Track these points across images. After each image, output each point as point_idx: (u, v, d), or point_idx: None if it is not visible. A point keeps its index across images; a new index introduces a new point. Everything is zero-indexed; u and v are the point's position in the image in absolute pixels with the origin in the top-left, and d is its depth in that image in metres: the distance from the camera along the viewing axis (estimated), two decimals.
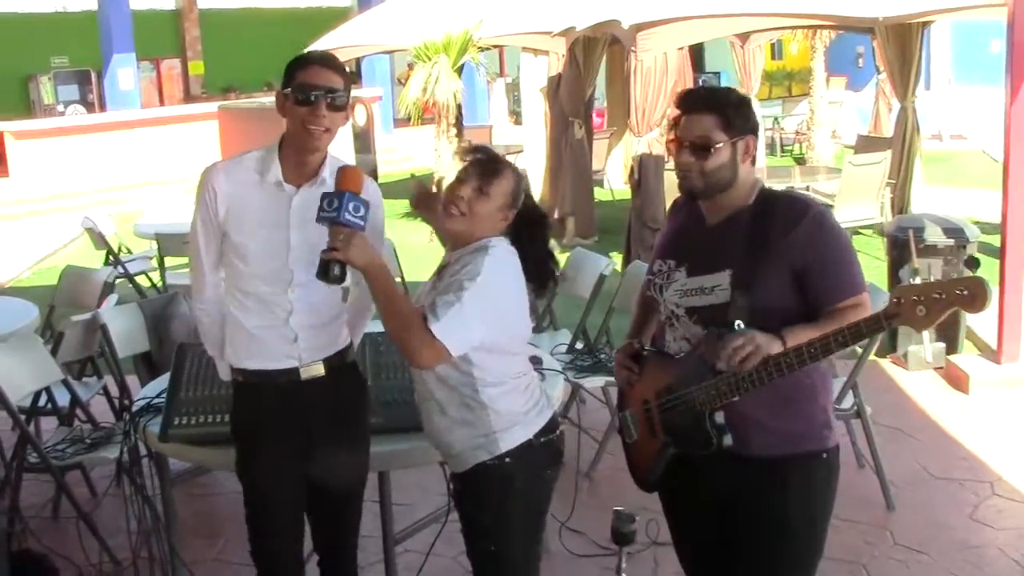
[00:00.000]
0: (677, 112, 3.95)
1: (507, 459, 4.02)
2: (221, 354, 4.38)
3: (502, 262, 3.98)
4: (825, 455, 3.92)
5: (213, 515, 6.97)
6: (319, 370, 4.28)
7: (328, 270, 3.73)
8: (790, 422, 3.85)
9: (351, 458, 4.51)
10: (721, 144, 3.79)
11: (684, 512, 4.22)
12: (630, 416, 4.21)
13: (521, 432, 4.05)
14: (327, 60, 4.13)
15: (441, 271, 4.10)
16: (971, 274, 3.35)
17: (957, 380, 8.81)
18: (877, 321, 3.50)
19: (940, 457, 7.44)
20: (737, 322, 3.68)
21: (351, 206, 3.72)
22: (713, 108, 3.82)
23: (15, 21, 29.32)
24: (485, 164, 4.06)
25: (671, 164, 4.10)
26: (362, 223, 3.74)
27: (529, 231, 4.14)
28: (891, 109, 19.43)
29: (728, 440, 3.80)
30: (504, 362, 4.04)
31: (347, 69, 4.22)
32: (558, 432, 4.21)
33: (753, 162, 3.94)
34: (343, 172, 3.85)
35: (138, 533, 5.60)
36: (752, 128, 3.89)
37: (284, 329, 4.20)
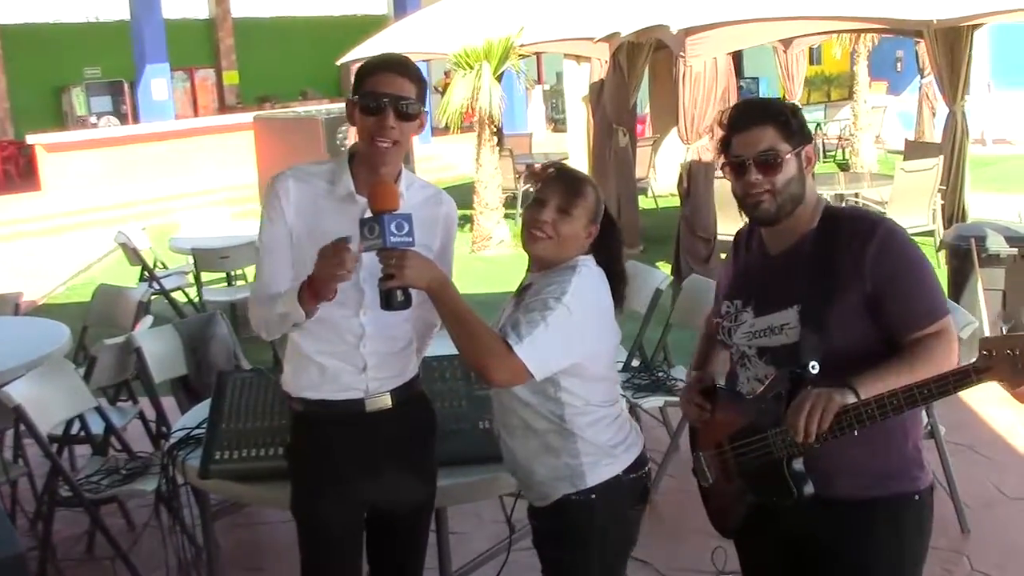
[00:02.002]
0: (724, 133, 3.66)
1: (592, 495, 3.82)
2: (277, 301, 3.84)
3: (590, 281, 3.79)
4: (917, 496, 3.61)
5: (256, 546, 6.75)
6: (386, 402, 4.00)
7: (391, 299, 3.48)
8: (877, 461, 3.55)
9: (417, 498, 4.23)
10: (788, 155, 3.50)
11: (761, 557, 3.92)
12: (703, 459, 3.94)
13: (609, 467, 3.85)
14: (397, 64, 3.82)
15: (522, 292, 3.88)
16: None
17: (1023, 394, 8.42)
18: (966, 376, 3.16)
19: (1013, 476, 7.20)
20: (812, 363, 3.41)
21: (392, 227, 3.44)
22: (771, 119, 3.54)
23: (47, 31, 29.40)
24: (566, 183, 3.86)
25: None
26: (410, 239, 3.47)
27: (603, 241, 3.96)
28: (935, 113, 19.19)
29: (810, 489, 3.50)
30: (593, 388, 3.83)
31: (422, 76, 3.89)
32: (647, 469, 4.01)
33: (812, 176, 3.67)
34: (373, 192, 3.53)
35: (179, 569, 5.38)
36: (808, 136, 3.62)
37: (354, 356, 3.92)
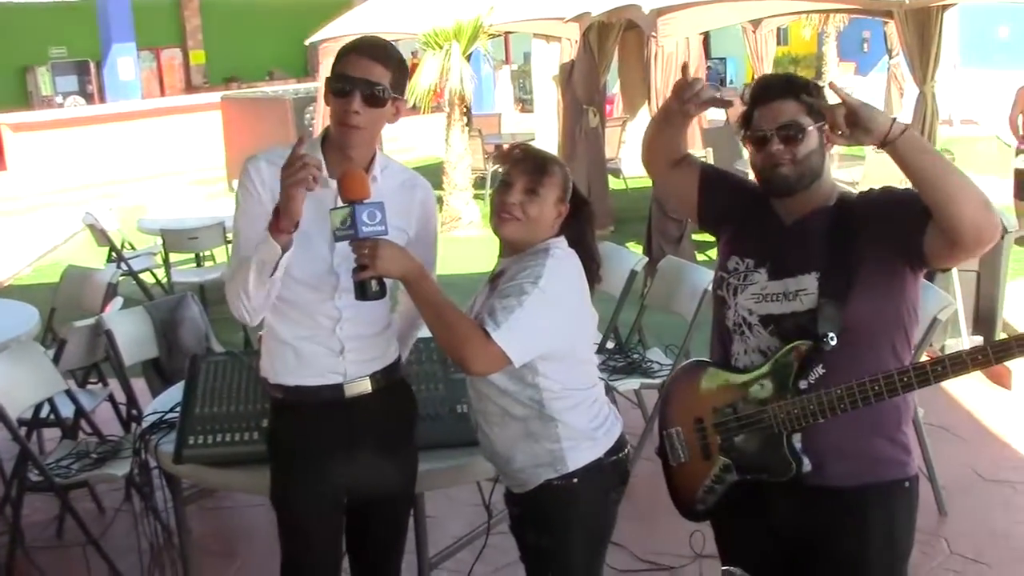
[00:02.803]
0: (745, 107, 3.67)
1: (574, 479, 3.79)
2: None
3: (564, 264, 3.76)
4: (907, 483, 3.62)
5: (229, 532, 6.71)
6: (366, 387, 3.95)
7: (365, 289, 3.45)
8: (871, 446, 3.55)
9: (398, 484, 4.19)
10: (810, 128, 3.50)
11: (742, 545, 3.89)
12: (676, 435, 3.88)
13: (590, 450, 3.82)
14: (372, 48, 3.72)
15: (496, 278, 3.83)
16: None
17: (999, 376, 8.55)
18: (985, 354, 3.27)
19: (989, 458, 7.24)
20: (829, 334, 3.39)
21: (364, 216, 3.39)
22: (794, 93, 3.54)
23: (11, 10, 29.12)
24: (532, 163, 3.81)
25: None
26: (383, 228, 3.42)
27: (574, 220, 3.93)
28: (903, 94, 19.24)
29: (808, 465, 3.51)
30: (571, 371, 3.81)
31: (402, 61, 3.81)
32: (627, 450, 3.99)
33: (829, 156, 3.67)
34: (343, 181, 3.48)
35: (151, 555, 5.34)
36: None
37: (330, 340, 3.87)
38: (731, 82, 30.68)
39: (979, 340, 8.75)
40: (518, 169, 3.79)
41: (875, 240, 3.42)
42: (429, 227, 4.04)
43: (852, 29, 26.09)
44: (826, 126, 3.47)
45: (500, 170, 3.94)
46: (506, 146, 4.14)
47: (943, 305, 6.07)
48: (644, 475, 6.74)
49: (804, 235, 3.57)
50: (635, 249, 11.69)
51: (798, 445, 3.50)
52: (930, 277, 8.74)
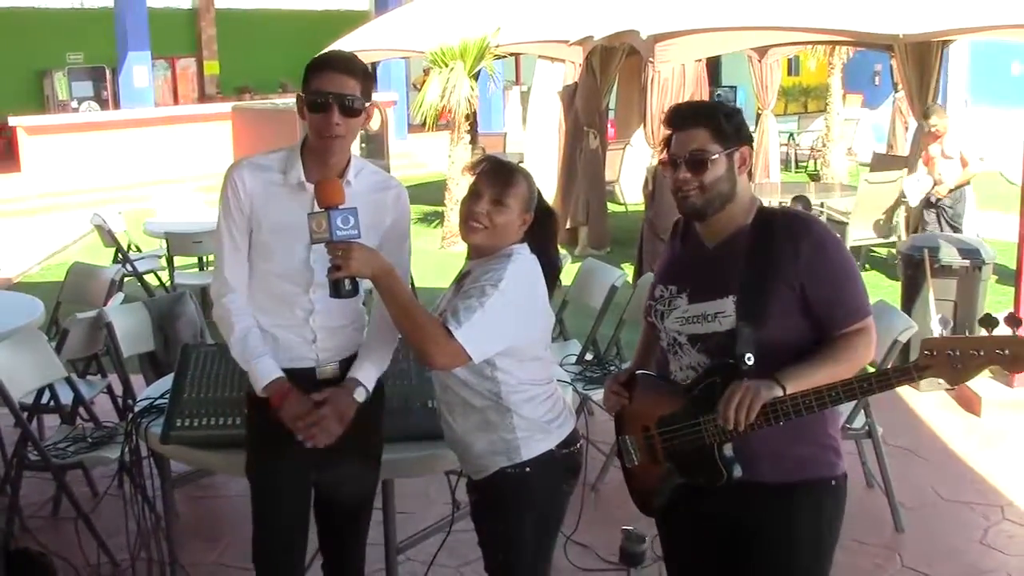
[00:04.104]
0: (666, 132, 3.87)
1: (527, 468, 4.02)
2: (253, 363, 4.18)
3: (524, 268, 3.99)
4: (834, 482, 3.84)
5: (215, 518, 6.91)
6: (335, 371, 4.24)
7: (339, 288, 3.76)
8: (800, 447, 3.77)
9: (363, 464, 4.45)
10: (716, 156, 3.71)
11: (683, 534, 4.11)
12: (630, 441, 4.12)
13: (543, 442, 4.05)
14: (340, 63, 4.04)
15: (462, 279, 4.07)
16: (986, 332, 3.32)
17: (969, 402, 8.70)
18: (907, 373, 3.47)
19: (950, 480, 7.38)
20: (747, 355, 3.62)
21: (338, 221, 3.70)
22: (704, 121, 3.75)
23: (31, 16, 29.33)
24: (497, 174, 4.04)
25: None
26: (356, 232, 3.73)
27: (538, 229, 4.15)
28: (907, 128, 19.39)
29: (738, 472, 3.72)
30: (528, 367, 4.03)
31: (367, 71, 4.12)
32: (578, 445, 4.21)
33: (750, 176, 3.87)
34: (320, 188, 3.80)
35: (138, 534, 5.54)
36: (746, 138, 3.81)
37: (303, 329, 4.18)
38: (741, 110, 30.54)
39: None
40: (485, 180, 4.02)
41: (792, 287, 3.64)
42: (401, 223, 4.30)
43: (863, 61, 26.04)
44: (740, 150, 3.75)
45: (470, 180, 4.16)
46: (473, 159, 4.39)
47: (904, 328, 6.26)
48: (614, 482, 6.90)
49: (723, 259, 3.78)
50: (628, 269, 11.93)
51: (729, 453, 3.71)
52: (908, 306, 9.01)
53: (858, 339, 3.66)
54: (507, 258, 3.97)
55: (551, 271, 4.17)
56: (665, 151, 3.85)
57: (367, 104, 4.06)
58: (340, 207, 3.72)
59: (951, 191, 12.62)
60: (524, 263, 4.00)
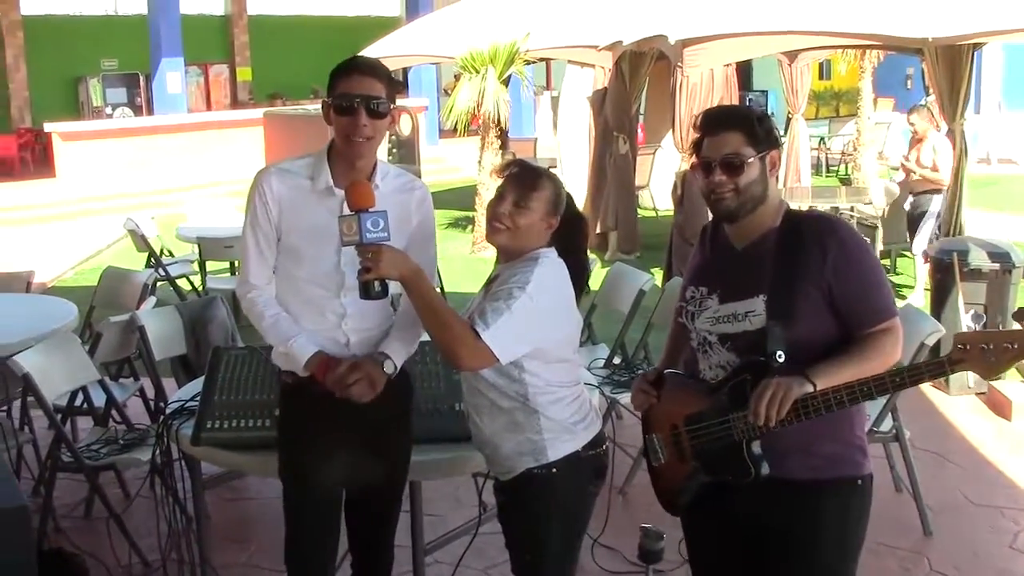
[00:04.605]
0: (697, 135, 3.91)
1: (554, 469, 4.06)
2: (291, 344, 4.22)
3: (552, 271, 4.03)
4: (860, 482, 3.86)
5: (245, 520, 6.95)
6: None
7: (369, 289, 3.80)
8: (827, 445, 3.79)
9: (393, 466, 4.51)
10: (751, 159, 3.75)
11: (708, 533, 4.15)
12: (657, 439, 4.16)
13: (570, 443, 4.09)
14: (366, 67, 4.11)
15: (490, 282, 4.12)
16: (1020, 326, 3.35)
17: (999, 406, 8.68)
18: (940, 366, 3.51)
19: (980, 484, 7.34)
20: (777, 352, 3.66)
21: (368, 224, 3.75)
22: (737, 125, 3.80)
23: (66, 23, 29.62)
24: (522, 177, 4.09)
25: None
26: (386, 235, 3.77)
27: (567, 233, 4.19)
28: (939, 131, 19.30)
29: (766, 469, 3.74)
30: (555, 369, 4.08)
31: (391, 75, 4.17)
32: (604, 447, 4.24)
33: (776, 180, 3.92)
34: (350, 191, 3.85)
35: (169, 535, 5.60)
36: (776, 142, 3.86)
37: (336, 333, 4.22)
38: (772, 114, 30.53)
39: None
40: (510, 183, 4.08)
41: (820, 287, 3.68)
42: (427, 224, 4.36)
43: (895, 65, 25.95)
44: (771, 154, 3.79)
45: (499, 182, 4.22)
46: (509, 155, 4.44)
47: (931, 331, 6.27)
48: (642, 485, 6.91)
49: (752, 260, 3.82)
50: (657, 273, 11.92)
51: (758, 450, 3.74)
52: (938, 310, 8.99)
53: (885, 338, 3.69)
54: (534, 261, 4.01)
55: (580, 275, 4.21)
56: (695, 155, 3.90)
57: (392, 108, 4.11)
58: (370, 210, 3.77)
59: (918, 194, 12.58)
60: (551, 266, 4.04)
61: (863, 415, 3.98)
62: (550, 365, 4.05)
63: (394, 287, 3.89)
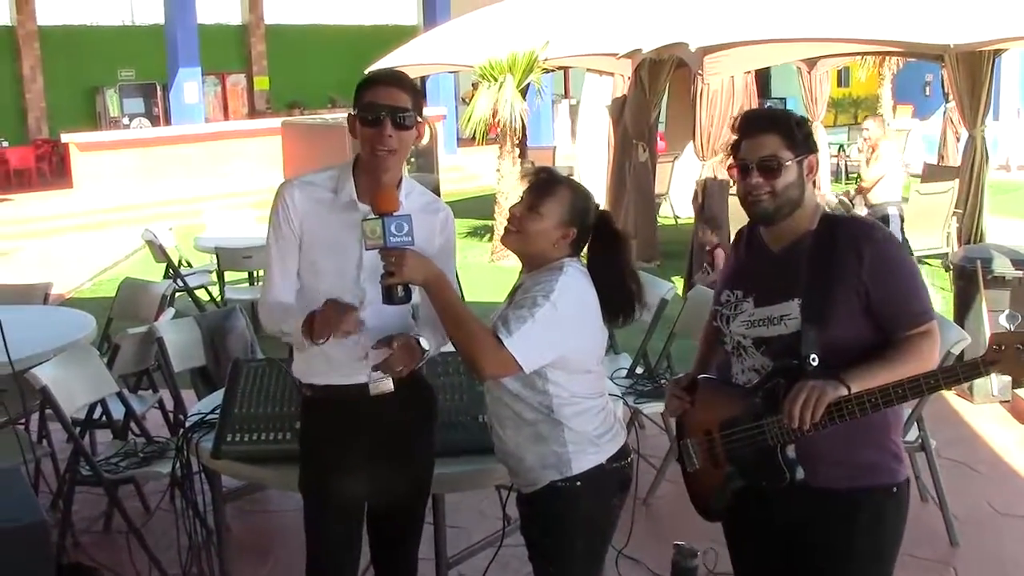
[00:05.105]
0: (734, 137, 3.90)
1: (578, 482, 4.01)
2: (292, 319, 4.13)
3: (576, 281, 3.99)
4: (895, 489, 3.83)
5: (265, 532, 6.91)
6: (388, 386, 4.20)
7: (392, 294, 3.77)
8: (861, 453, 3.77)
9: (415, 479, 4.45)
10: (789, 162, 3.74)
11: (747, 542, 4.14)
12: (691, 445, 4.13)
13: (595, 456, 4.04)
14: (393, 78, 4.08)
15: (514, 292, 4.08)
16: None
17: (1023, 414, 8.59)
18: (975, 367, 3.46)
19: (1006, 493, 7.29)
20: (812, 355, 3.63)
21: (392, 227, 3.72)
22: (776, 127, 3.79)
23: (83, 34, 29.70)
24: (540, 183, 4.08)
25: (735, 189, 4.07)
26: (409, 239, 3.74)
27: (604, 251, 4.15)
28: (959, 138, 19.27)
29: (800, 474, 3.73)
30: (579, 380, 4.03)
31: (418, 88, 4.14)
32: (629, 459, 4.20)
33: (815, 185, 3.90)
34: (375, 195, 3.82)
35: (189, 549, 5.54)
36: (813, 147, 3.84)
37: (354, 347, 4.15)
38: None
39: (1008, 379, 8.84)
40: (529, 188, 4.08)
41: (856, 290, 3.65)
42: (448, 246, 4.32)
43: (914, 72, 25.95)
44: (809, 159, 3.76)
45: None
46: (529, 164, 4.40)
47: (958, 340, 6.20)
48: (666, 496, 6.94)
49: (788, 263, 3.80)
50: (677, 282, 11.88)
51: (792, 455, 3.72)
52: (961, 317, 8.92)
53: (922, 342, 3.66)
54: (558, 271, 3.97)
55: (617, 295, 4.12)
56: (732, 157, 3.88)
57: (419, 120, 4.07)
58: (395, 214, 3.73)
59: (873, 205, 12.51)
60: (575, 276, 4.00)
61: (900, 420, 3.97)
62: (574, 376, 4.01)
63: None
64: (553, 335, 3.87)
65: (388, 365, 3.98)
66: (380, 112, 3.96)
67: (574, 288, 3.97)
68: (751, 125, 3.85)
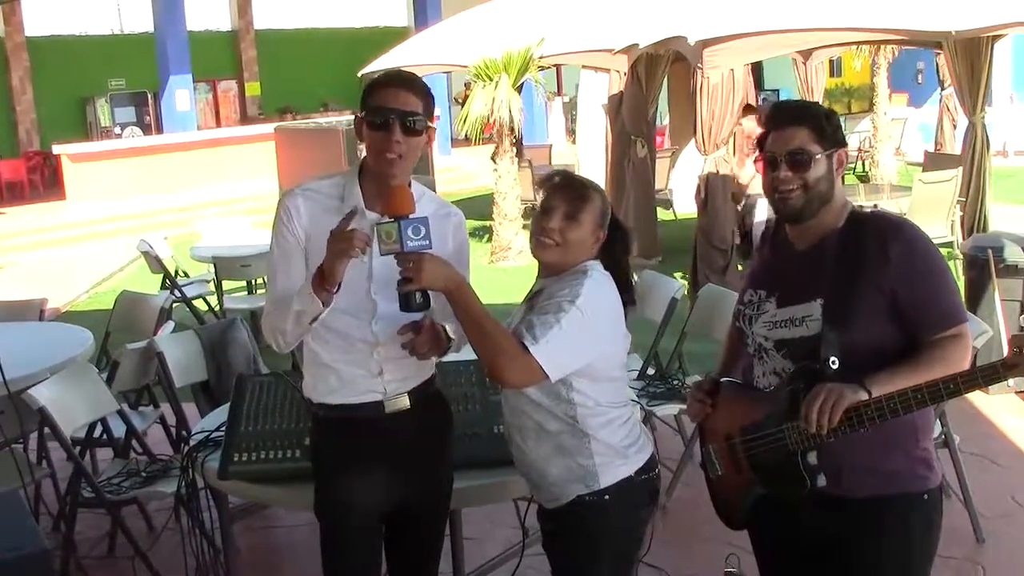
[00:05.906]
0: (761, 131, 3.81)
1: (606, 495, 3.87)
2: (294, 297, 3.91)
3: (601, 285, 3.87)
4: (926, 496, 3.69)
5: (273, 549, 6.81)
6: (404, 403, 4.07)
7: (410, 302, 3.57)
8: (887, 460, 3.64)
9: (435, 491, 4.30)
10: (819, 156, 3.63)
11: (774, 552, 4.01)
12: (713, 451, 4.03)
13: (623, 468, 3.91)
14: (403, 80, 3.90)
15: (534, 297, 3.94)
16: None
17: None
18: (995, 371, 3.30)
19: None
20: (832, 358, 3.51)
21: (410, 231, 3.53)
22: (805, 120, 3.69)
23: (73, 44, 29.64)
24: (572, 190, 3.93)
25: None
26: (427, 243, 3.56)
27: (609, 246, 4.03)
28: (955, 125, 19.19)
29: (822, 481, 3.60)
30: (605, 388, 3.89)
31: (430, 91, 3.96)
32: (657, 471, 4.07)
33: (842, 180, 3.79)
34: (389, 196, 3.62)
35: (196, 570, 5.41)
36: (843, 141, 3.74)
37: (368, 363, 3.99)
38: None
39: None
40: (558, 196, 3.90)
41: (882, 290, 3.53)
42: (462, 252, 4.15)
43: (906, 60, 25.86)
44: (838, 153, 3.64)
45: (540, 195, 4.05)
46: (545, 174, 4.25)
47: (980, 332, 6.07)
48: (682, 500, 6.83)
49: (813, 263, 3.69)
50: (681, 278, 11.78)
51: (814, 461, 3.59)
52: (973, 307, 8.81)
53: (952, 346, 3.53)
54: (583, 274, 3.84)
55: (623, 289, 4.01)
56: (759, 150, 3.78)
57: (429, 125, 3.91)
58: (411, 217, 3.56)
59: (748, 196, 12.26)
60: (601, 280, 3.88)
61: (929, 425, 3.81)
62: (599, 384, 3.86)
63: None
64: (581, 342, 3.73)
65: (414, 347, 3.80)
66: (388, 116, 3.77)
67: (600, 292, 3.84)
68: (780, 117, 3.74)
